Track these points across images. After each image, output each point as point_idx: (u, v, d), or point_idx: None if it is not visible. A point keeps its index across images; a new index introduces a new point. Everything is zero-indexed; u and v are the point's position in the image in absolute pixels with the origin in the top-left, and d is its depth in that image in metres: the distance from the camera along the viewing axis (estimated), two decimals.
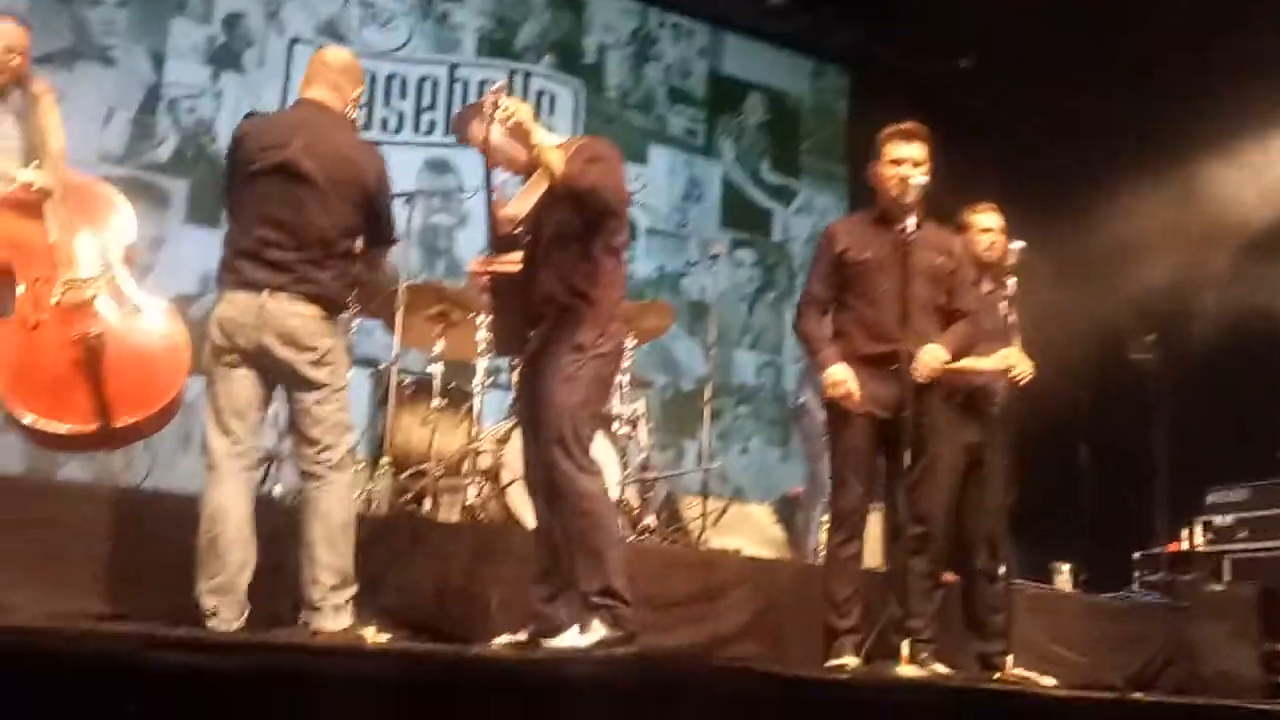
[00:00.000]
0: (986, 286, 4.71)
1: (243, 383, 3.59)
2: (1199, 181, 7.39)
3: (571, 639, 3.54)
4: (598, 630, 3.50)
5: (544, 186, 3.86)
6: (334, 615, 3.47)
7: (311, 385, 3.61)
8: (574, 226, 3.81)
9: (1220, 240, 7.28)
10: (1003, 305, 4.58)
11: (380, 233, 3.89)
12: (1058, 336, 5.20)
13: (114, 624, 3.46)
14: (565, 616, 3.65)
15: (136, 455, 4.87)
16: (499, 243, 3.91)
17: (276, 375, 3.64)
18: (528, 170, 3.87)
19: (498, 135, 3.78)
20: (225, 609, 3.39)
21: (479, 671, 2.18)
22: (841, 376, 4.12)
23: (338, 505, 3.57)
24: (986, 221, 4.79)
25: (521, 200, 3.87)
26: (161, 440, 4.61)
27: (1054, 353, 5.06)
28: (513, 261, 3.95)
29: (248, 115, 3.97)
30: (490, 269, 3.99)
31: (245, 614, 3.43)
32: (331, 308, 3.70)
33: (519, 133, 3.74)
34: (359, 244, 3.82)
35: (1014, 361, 4.50)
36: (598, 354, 3.73)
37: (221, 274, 3.69)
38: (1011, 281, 4.53)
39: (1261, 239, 7.26)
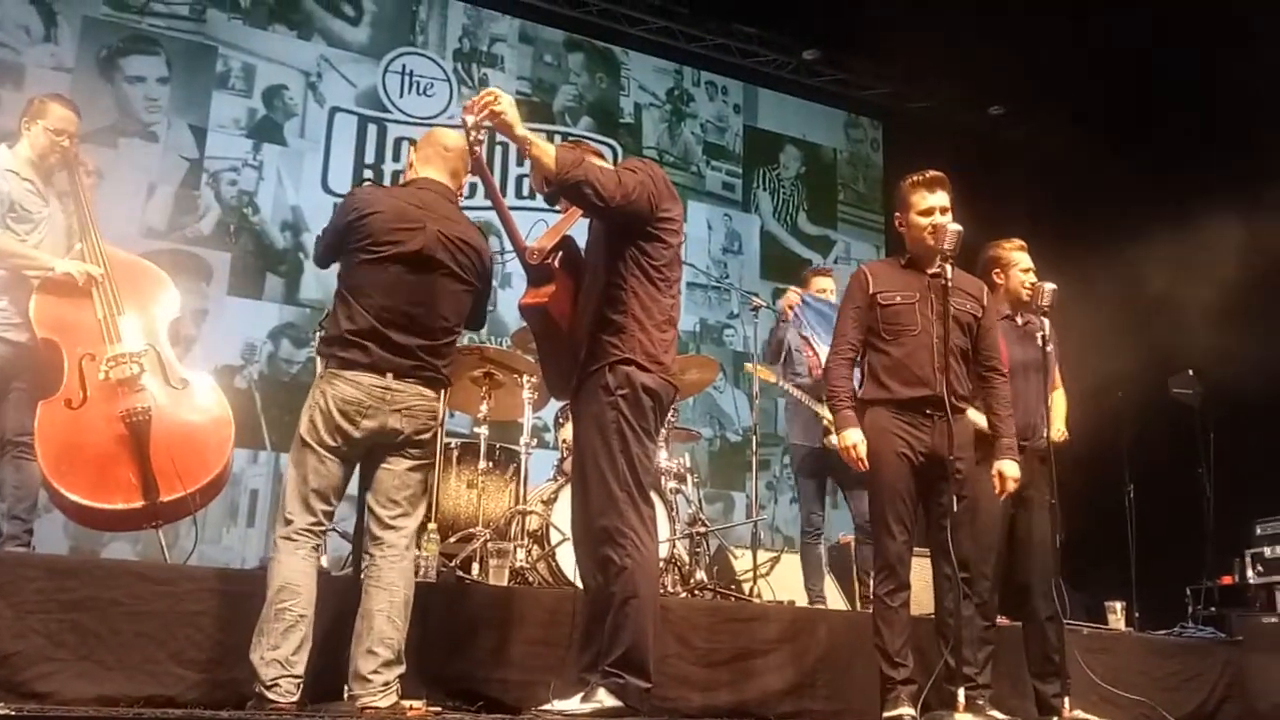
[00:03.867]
0: (1021, 319, 4.73)
1: (339, 469, 3.57)
2: (1241, 214, 7.33)
3: (572, 705, 3.43)
4: (600, 700, 3.38)
5: (577, 217, 3.74)
6: (383, 692, 3.41)
7: (409, 456, 3.62)
8: (603, 246, 3.66)
9: (1261, 274, 7.23)
10: (1040, 341, 4.66)
11: (481, 317, 3.94)
12: (1099, 376, 5.17)
13: (162, 709, 3.40)
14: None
15: (184, 531, 4.87)
16: (531, 275, 3.68)
17: (379, 450, 3.61)
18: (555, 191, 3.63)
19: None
20: (285, 682, 3.34)
21: None
22: (853, 441, 4.16)
23: (403, 579, 3.55)
24: (1026, 261, 4.82)
25: (551, 231, 3.73)
26: (208, 514, 4.60)
27: (1096, 392, 5.05)
28: (544, 294, 3.66)
29: (364, 185, 3.94)
30: (533, 302, 3.69)
31: (300, 690, 3.37)
32: (443, 389, 3.78)
33: (502, 126, 3.41)
34: None
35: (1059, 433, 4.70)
36: (624, 396, 3.52)
37: (335, 351, 3.60)
38: (1047, 323, 4.56)
39: None
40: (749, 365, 6.19)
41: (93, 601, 3.58)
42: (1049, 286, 4.54)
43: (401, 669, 3.48)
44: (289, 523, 3.50)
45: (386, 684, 3.42)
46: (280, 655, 3.34)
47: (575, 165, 3.45)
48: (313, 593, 3.45)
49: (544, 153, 3.45)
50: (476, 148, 3.48)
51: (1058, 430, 4.79)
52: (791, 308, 6.10)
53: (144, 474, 3.98)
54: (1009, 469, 4.19)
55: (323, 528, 3.55)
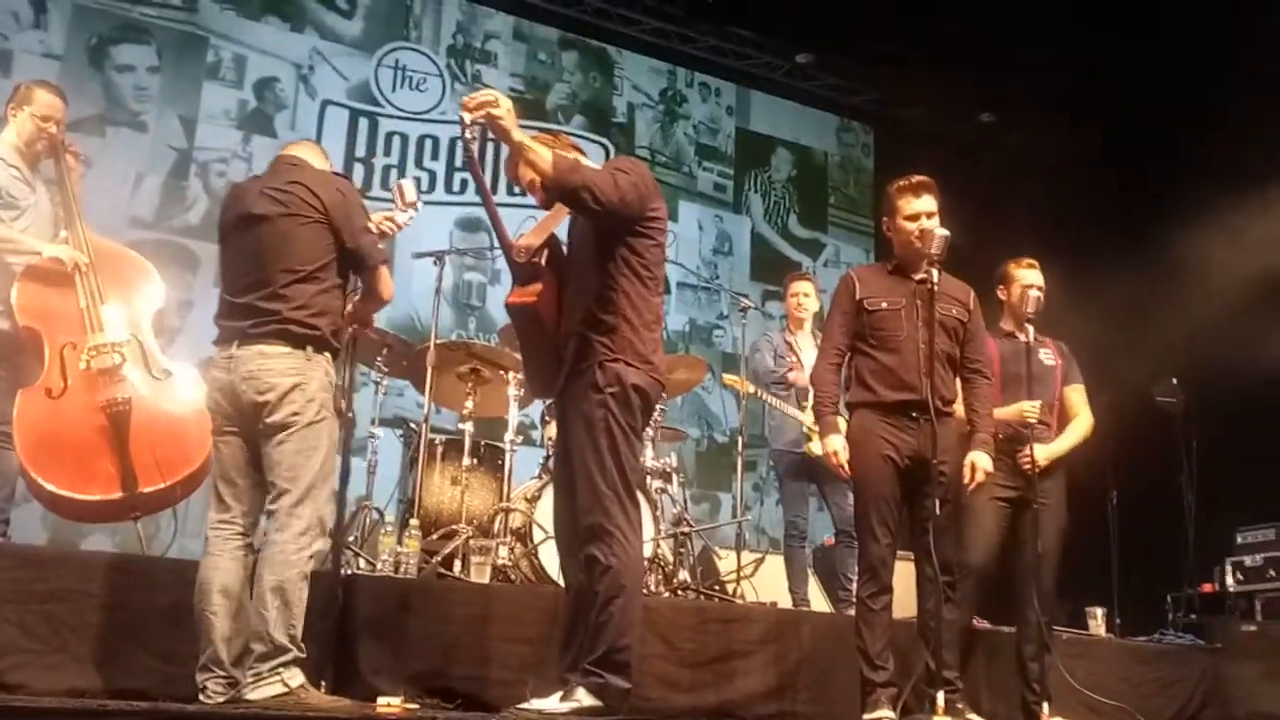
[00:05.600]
0: (1022, 336, 4.73)
1: (229, 449, 3.53)
2: (1228, 222, 7.38)
3: (551, 704, 3.39)
4: (579, 699, 3.34)
5: (564, 215, 3.70)
6: (254, 685, 3.26)
7: (270, 431, 3.46)
8: (593, 246, 3.62)
9: (1247, 282, 7.28)
10: (1046, 353, 4.80)
11: (356, 250, 3.66)
12: (1084, 381, 5.20)
13: (133, 701, 3.37)
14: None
15: (163, 523, 4.83)
16: (517, 273, 3.64)
17: (257, 436, 3.50)
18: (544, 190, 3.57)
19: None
20: (212, 684, 3.31)
21: None
22: (835, 448, 4.20)
23: (268, 567, 3.35)
24: (1031, 277, 4.86)
25: (538, 229, 3.69)
26: (188, 506, 4.56)
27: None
28: (532, 292, 3.61)
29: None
30: (519, 300, 3.63)
31: (239, 687, 3.31)
32: (305, 344, 3.50)
33: (498, 129, 3.37)
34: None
35: (1028, 410, 4.61)
36: (613, 394, 3.49)
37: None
38: (1030, 330, 4.63)
39: None
40: (728, 378, 6.20)
41: (66, 593, 3.55)
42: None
43: (284, 657, 3.29)
44: (208, 523, 3.51)
45: (258, 675, 3.27)
46: (207, 658, 3.34)
47: (573, 170, 3.44)
48: (231, 585, 3.39)
49: (540, 158, 3.42)
50: (471, 145, 3.44)
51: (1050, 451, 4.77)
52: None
53: (123, 465, 3.95)
54: (981, 460, 4.20)
55: (234, 512, 3.49)
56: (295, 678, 3.31)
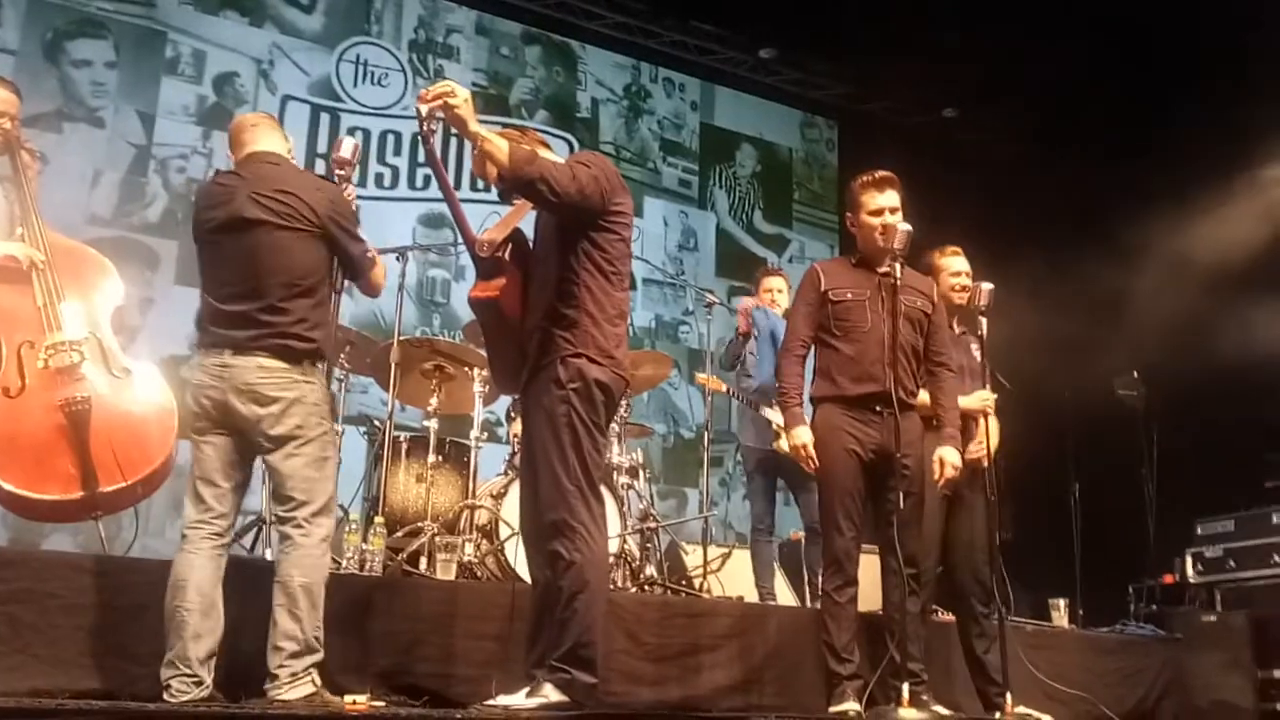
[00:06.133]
0: (958, 328, 4.77)
1: (214, 451, 3.52)
2: (1187, 217, 7.49)
3: (518, 700, 3.40)
4: (546, 694, 3.35)
5: (528, 210, 3.70)
6: (290, 685, 3.34)
7: (277, 443, 3.50)
8: (555, 240, 3.62)
9: (1206, 276, 7.39)
10: (975, 346, 4.73)
11: (349, 262, 3.71)
12: (1044, 376, 5.23)
13: (96, 700, 3.35)
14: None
15: (125, 523, 4.78)
16: (481, 268, 3.62)
17: (254, 446, 3.55)
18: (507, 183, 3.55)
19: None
20: (177, 682, 3.30)
21: None
22: (802, 441, 4.21)
23: (297, 569, 3.43)
24: (956, 265, 4.87)
25: (501, 224, 3.69)
26: (151, 506, 4.52)
27: (1041, 392, 5.10)
28: (495, 286, 3.61)
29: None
30: (482, 295, 3.61)
31: (204, 687, 3.32)
32: (303, 358, 3.55)
33: (455, 120, 3.36)
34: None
35: (990, 402, 4.64)
36: (575, 390, 3.49)
37: (196, 343, 3.65)
38: (984, 322, 4.59)
39: (1246, 275, 7.36)
40: (700, 377, 6.21)
41: (28, 593, 3.50)
42: (986, 287, 4.57)
43: (315, 657, 3.40)
44: (182, 524, 3.50)
45: (294, 675, 3.34)
46: (174, 655, 3.33)
47: (529, 162, 3.43)
48: (206, 584, 3.40)
49: (497, 149, 3.41)
50: (430, 138, 3.43)
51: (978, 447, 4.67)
52: (747, 313, 6.15)
53: (83, 464, 3.89)
54: (949, 455, 4.24)
55: (215, 513, 3.49)
56: (317, 678, 3.39)
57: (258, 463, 3.64)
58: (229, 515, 3.54)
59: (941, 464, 4.22)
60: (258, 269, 3.53)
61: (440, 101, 3.34)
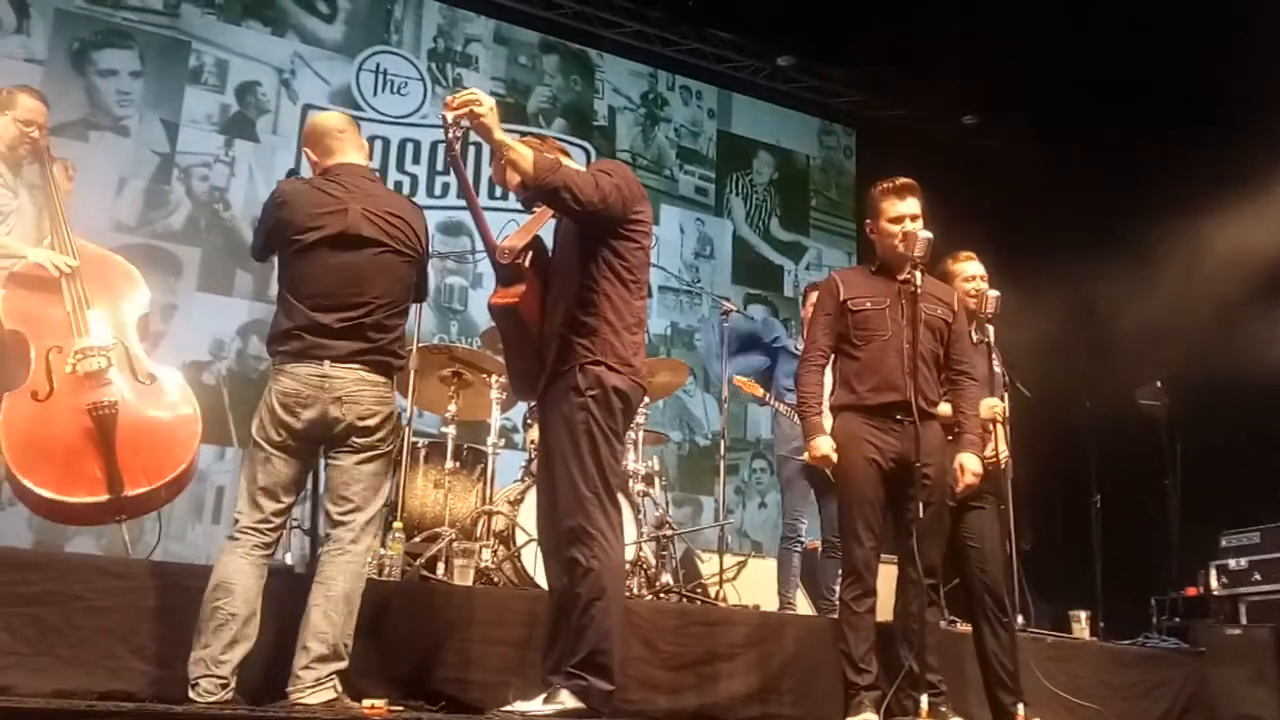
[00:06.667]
0: (976, 336, 4.73)
1: (286, 466, 3.54)
2: (1208, 226, 7.46)
3: (534, 707, 3.41)
4: (562, 701, 3.36)
5: (548, 218, 3.72)
6: (313, 689, 3.36)
7: (356, 448, 3.58)
8: (576, 248, 3.64)
9: (1229, 285, 7.35)
10: (986, 352, 4.69)
11: (424, 287, 3.91)
12: (1065, 384, 5.19)
13: (119, 702, 3.39)
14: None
15: (148, 526, 4.83)
16: (501, 274, 3.66)
17: (328, 445, 3.58)
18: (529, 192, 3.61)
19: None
20: (206, 682, 3.31)
21: None
22: (824, 451, 4.20)
23: (342, 574, 3.49)
24: (970, 269, 4.85)
25: (521, 231, 3.71)
26: (173, 510, 4.57)
27: (1062, 400, 5.07)
28: (514, 293, 3.64)
29: (288, 175, 3.93)
30: (502, 301, 3.65)
31: (229, 690, 3.34)
32: (393, 373, 3.70)
33: (481, 129, 3.41)
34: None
35: (999, 410, 4.61)
36: (594, 397, 3.50)
37: (276, 348, 3.61)
38: (991, 330, 4.60)
39: (1269, 284, 7.32)
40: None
41: (53, 595, 3.55)
42: (993, 294, 4.57)
43: (340, 664, 3.43)
44: (235, 522, 3.52)
45: (319, 680, 3.37)
46: (208, 654, 3.33)
47: (552, 170, 3.46)
48: (251, 591, 3.42)
49: (521, 157, 3.45)
50: (455, 145, 3.47)
51: (1002, 454, 4.69)
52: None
53: (109, 468, 3.94)
54: (970, 462, 4.21)
55: (270, 525, 3.52)
56: (339, 685, 3.42)
57: None
58: (280, 530, 3.59)
59: (962, 470, 4.19)
60: (365, 287, 3.61)
61: (467, 110, 3.38)
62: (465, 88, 3.57)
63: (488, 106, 3.40)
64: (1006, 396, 4.73)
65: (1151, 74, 7.98)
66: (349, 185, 3.71)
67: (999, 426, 4.66)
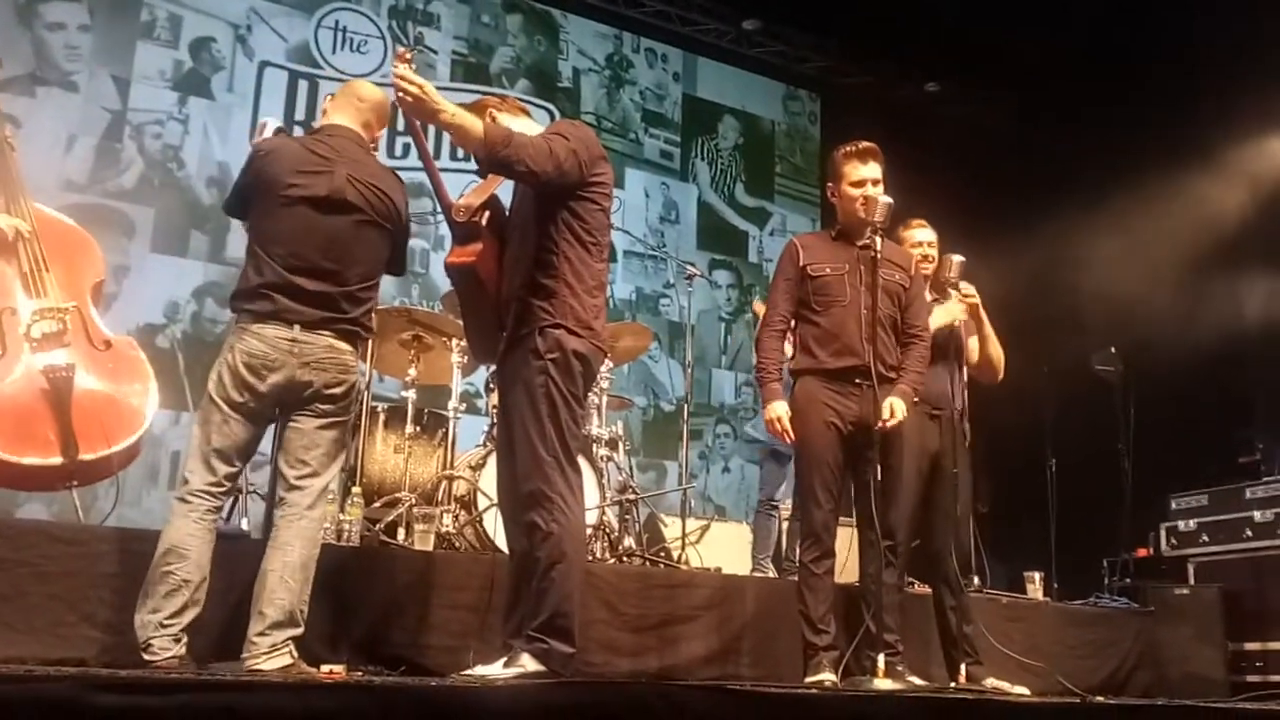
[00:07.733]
0: (930, 295, 4.76)
1: (245, 429, 3.48)
2: (1166, 193, 7.53)
3: (495, 670, 3.40)
4: (523, 664, 3.35)
5: (503, 178, 3.65)
6: (269, 655, 3.32)
7: (318, 413, 3.53)
8: (533, 208, 3.60)
9: (1184, 252, 7.45)
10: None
11: (402, 261, 3.85)
12: (1022, 350, 5.27)
13: (67, 668, 3.33)
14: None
15: (101, 493, 4.75)
16: (458, 233, 3.61)
17: (288, 408, 3.52)
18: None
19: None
20: (159, 640, 3.26)
21: (393, 703, 2.06)
22: (778, 414, 4.23)
23: (299, 539, 3.45)
24: (919, 235, 4.90)
25: (478, 190, 3.66)
26: (127, 476, 4.50)
27: (1019, 366, 5.14)
28: (471, 252, 3.60)
29: (276, 131, 3.83)
30: (458, 260, 3.61)
31: (182, 644, 3.29)
32: (360, 343, 3.67)
33: (420, 114, 3.39)
34: None
35: (956, 313, 4.63)
36: (553, 360, 3.48)
37: (243, 305, 3.51)
38: (954, 293, 4.63)
39: (1226, 251, 7.42)
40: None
41: (1, 562, 3.48)
42: (957, 259, 4.60)
43: (295, 630, 3.39)
44: (185, 483, 3.44)
45: (274, 645, 3.33)
46: (158, 618, 3.28)
47: (504, 143, 3.40)
48: (205, 557, 3.37)
49: (469, 131, 3.39)
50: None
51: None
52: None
53: (63, 431, 3.87)
54: (898, 406, 4.13)
55: (223, 489, 3.47)
56: (294, 651, 3.39)
57: None
58: (230, 494, 3.58)
59: (891, 410, 4.10)
60: (342, 255, 3.55)
61: (399, 94, 3.33)
62: (427, 47, 3.51)
63: (421, 90, 3.33)
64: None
65: (1113, 43, 8.02)
66: (338, 148, 3.64)
67: (977, 310, 4.73)
